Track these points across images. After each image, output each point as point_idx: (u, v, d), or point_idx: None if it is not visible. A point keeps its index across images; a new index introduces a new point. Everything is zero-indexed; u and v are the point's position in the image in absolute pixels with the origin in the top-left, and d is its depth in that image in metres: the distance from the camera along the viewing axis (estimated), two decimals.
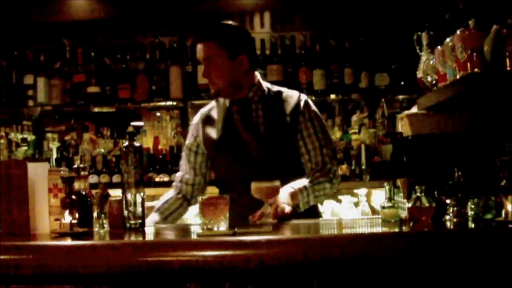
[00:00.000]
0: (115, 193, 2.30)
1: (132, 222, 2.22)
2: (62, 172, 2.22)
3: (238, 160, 2.65)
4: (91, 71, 4.39)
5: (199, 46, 2.62)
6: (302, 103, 2.66)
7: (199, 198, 2.08)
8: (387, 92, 4.29)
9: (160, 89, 4.35)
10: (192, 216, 3.71)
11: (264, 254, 1.71)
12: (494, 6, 2.23)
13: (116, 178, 4.10)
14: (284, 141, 2.63)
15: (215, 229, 1.99)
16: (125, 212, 2.22)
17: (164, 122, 4.53)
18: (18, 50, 4.47)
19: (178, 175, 2.83)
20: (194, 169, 2.79)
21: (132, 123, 4.32)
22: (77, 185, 2.20)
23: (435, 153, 2.33)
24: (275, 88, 2.75)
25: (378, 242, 1.74)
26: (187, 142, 2.84)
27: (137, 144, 2.25)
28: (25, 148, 4.29)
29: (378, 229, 2.12)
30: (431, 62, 2.47)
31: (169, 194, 2.81)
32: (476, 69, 2.07)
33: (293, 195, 2.45)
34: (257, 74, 2.72)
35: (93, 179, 4.04)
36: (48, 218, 2.20)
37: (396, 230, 2.04)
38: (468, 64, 2.09)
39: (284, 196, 2.39)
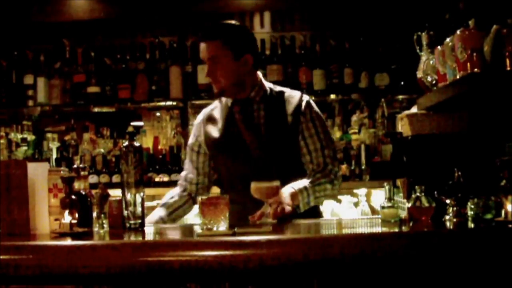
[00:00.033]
0: (115, 193, 2.30)
1: (132, 222, 2.22)
2: (62, 172, 2.22)
3: (239, 160, 2.65)
4: (91, 71, 4.39)
5: (203, 46, 2.61)
6: (303, 104, 2.66)
7: (199, 198, 2.08)
8: (387, 92, 4.29)
9: (160, 89, 4.35)
10: (192, 216, 3.71)
11: (264, 254, 1.71)
12: (494, 6, 2.23)
13: (116, 178, 4.10)
14: (285, 141, 2.63)
15: (215, 229, 1.99)
16: (125, 212, 2.22)
17: (164, 122, 4.52)
18: (18, 50, 4.47)
19: (183, 174, 2.84)
20: (197, 168, 2.79)
21: (132, 123, 4.32)
22: (77, 185, 2.20)
23: (435, 153, 2.34)
24: (278, 88, 2.74)
25: (378, 242, 1.74)
26: (189, 141, 2.85)
27: (137, 144, 2.25)
28: (25, 148, 4.29)
29: (378, 229, 2.12)
30: (431, 62, 2.47)
31: (175, 190, 2.82)
32: (476, 69, 2.07)
33: (294, 196, 2.45)
34: (259, 74, 2.72)
35: (93, 179, 4.04)
36: (48, 218, 2.20)
37: (396, 230, 2.04)
38: (468, 64, 2.09)
39: (284, 196, 2.39)
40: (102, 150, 4.29)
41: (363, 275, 1.74)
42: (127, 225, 2.22)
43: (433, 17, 2.78)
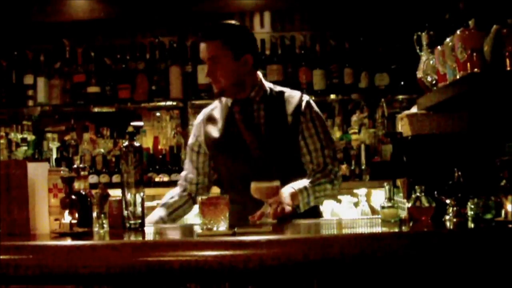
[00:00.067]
0: (115, 193, 2.30)
1: (132, 222, 2.22)
2: (62, 172, 2.22)
3: (239, 160, 2.65)
4: (91, 71, 4.39)
5: (203, 46, 2.60)
6: (303, 104, 2.66)
7: (199, 198, 2.08)
8: (387, 92, 4.29)
9: (160, 89, 4.35)
10: (192, 216, 3.71)
11: (264, 254, 1.71)
12: (494, 6, 2.23)
13: (116, 178, 4.10)
14: (285, 141, 2.63)
15: (215, 229, 1.99)
16: (125, 212, 2.22)
17: (164, 122, 4.52)
18: (18, 50, 4.47)
19: (183, 174, 2.84)
20: (197, 168, 2.79)
21: (132, 123, 4.31)
22: (77, 185, 2.20)
23: (435, 153, 2.34)
24: (278, 88, 2.74)
25: (378, 242, 1.74)
26: (189, 141, 2.85)
27: (137, 144, 2.25)
28: (25, 148, 4.29)
29: (378, 229, 2.12)
30: (431, 62, 2.47)
31: (175, 190, 2.82)
32: (476, 69, 2.07)
33: (294, 196, 2.45)
34: (259, 74, 2.72)
35: (93, 179, 4.04)
36: (48, 218, 2.20)
37: (396, 230, 2.04)
38: (468, 64, 2.09)
39: (284, 196, 2.39)
40: (102, 150, 4.29)
41: (363, 275, 1.74)
42: (127, 225, 2.22)
43: (433, 17, 2.78)
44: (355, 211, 3.90)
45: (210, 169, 2.79)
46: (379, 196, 3.89)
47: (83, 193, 2.20)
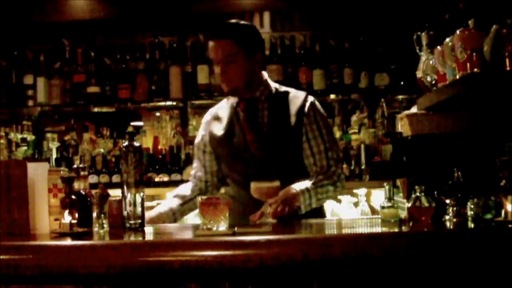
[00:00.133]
0: (115, 193, 2.30)
1: (132, 222, 2.22)
2: (62, 172, 2.22)
3: (240, 158, 2.65)
4: (91, 71, 4.39)
5: (214, 45, 2.58)
6: (307, 105, 2.64)
7: (199, 198, 2.08)
8: (387, 92, 4.29)
9: (160, 89, 4.36)
10: (192, 216, 3.71)
11: (264, 254, 1.71)
12: (494, 6, 2.23)
13: (116, 178, 4.10)
14: (287, 142, 2.62)
15: (215, 229, 1.99)
16: (125, 212, 2.22)
17: (164, 122, 4.52)
18: (18, 50, 4.48)
19: (192, 172, 2.86)
20: (204, 166, 2.80)
21: (132, 123, 4.31)
22: (76, 185, 2.20)
23: (435, 153, 2.34)
24: (283, 88, 2.74)
25: (378, 242, 1.74)
26: (196, 141, 2.86)
27: (136, 144, 2.25)
28: (25, 148, 4.29)
29: (378, 229, 2.12)
30: (431, 62, 2.47)
31: (187, 184, 2.84)
32: (475, 69, 2.07)
33: (295, 197, 2.44)
34: (265, 74, 2.72)
35: (93, 179, 4.04)
36: (48, 218, 2.20)
37: (396, 230, 2.04)
38: (468, 64, 2.09)
39: (285, 196, 2.39)
40: (102, 150, 4.29)
41: (363, 275, 1.74)
42: (127, 225, 2.22)
43: (433, 17, 2.78)
44: (355, 211, 3.91)
45: (217, 168, 2.79)
46: (379, 196, 3.89)
47: (83, 193, 2.20)
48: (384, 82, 4.28)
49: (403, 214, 2.22)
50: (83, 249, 1.80)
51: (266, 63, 4.25)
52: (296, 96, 2.68)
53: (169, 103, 4.46)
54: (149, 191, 3.20)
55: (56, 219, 2.16)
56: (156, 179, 4.19)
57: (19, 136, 4.34)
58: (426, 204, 2.09)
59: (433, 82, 2.47)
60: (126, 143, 2.25)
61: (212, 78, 4.33)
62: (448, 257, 1.72)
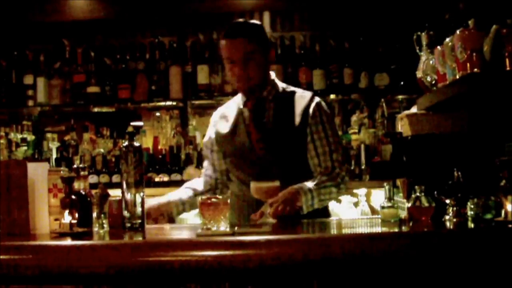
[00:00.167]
0: (115, 193, 2.30)
1: (132, 222, 2.21)
2: (62, 172, 2.22)
3: (245, 158, 2.65)
4: (91, 71, 4.39)
5: (233, 44, 2.57)
6: (313, 105, 2.64)
7: (199, 198, 2.09)
8: (386, 92, 4.29)
9: (160, 89, 4.36)
10: (192, 216, 3.71)
11: (264, 254, 1.71)
12: (494, 6, 2.23)
13: (116, 178, 4.10)
14: (290, 141, 2.61)
15: (215, 229, 1.99)
16: (125, 212, 2.22)
17: (163, 122, 4.52)
18: (18, 50, 4.48)
19: (203, 170, 2.88)
20: (213, 165, 2.81)
21: (131, 123, 4.31)
22: (76, 185, 2.20)
23: (435, 153, 2.34)
24: (290, 88, 2.74)
25: (378, 242, 1.74)
26: (204, 140, 2.88)
27: (136, 144, 2.25)
28: (25, 148, 4.29)
29: (378, 229, 2.12)
30: (431, 62, 2.47)
31: (200, 179, 2.86)
32: (475, 69, 2.07)
33: (297, 196, 2.43)
34: (272, 73, 2.73)
35: (92, 179, 4.04)
36: (48, 218, 2.20)
37: (396, 230, 2.04)
38: (468, 64, 2.09)
39: (287, 196, 2.39)
40: (102, 150, 4.29)
41: (363, 275, 1.74)
42: (127, 225, 2.22)
43: (433, 17, 2.78)
44: (355, 211, 3.91)
45: (226, 167, 2.79)
46: (379, 196, 3.89)
47: (83, 193, 2.20)
48: (384, 82, 4.28)
49: (403, 214, 2.22)
50: (83, 249, 1.80)
51: None
52: (302, 96, 2.68)
53: (169, 103, 4.46)
54: (149, 191, 3.18)
55: (56, 219, 2.16)
56: (156, 179, 4.19)
57: (19, 136, 4.34)
58: (426, 204, 2.09)
59: (433, 82, 2.47)
60: (126, 143, 2.24)
61: (212, 78, 4.34)
62: (448, 257, 1.72)
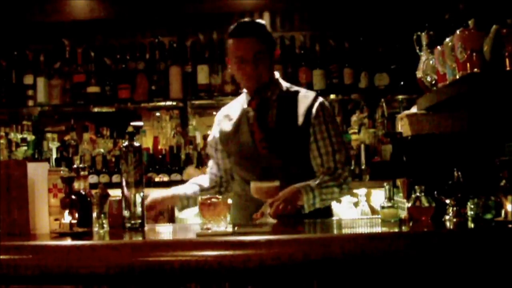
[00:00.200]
0: (115, 193, 2.30)
1: (132, 222, 2.22)
2: (62, 172, 2.22)
3: (247, 157, 2.65)
4: (91, 71, 4.39)
5: (244, 43, 2.59)
6: (316, 105, 2.64)
7: (199, 198, 2.09)
8: (386, 92, 4.29)
9: (160, 89, 4.36)
10: (192, 216, 3.71)
11: (264, 254, 1.71)
12: (494, 6, 2.23)
13: (116, 178, 4.10)
14: (294, 141, 2.61)
15: (215, 229, 1.99)
16: (125, 212, 2.22)
17: (163, 122, 4.53)
18: (18, 50, 4.48)
19: (208, 169, 2.90)
20: (217, 164, 2.83)
21: (131, 123, 4.31)
22: (76, 185, 2.20)
23: (435, 153, 2.34)
24: (294, 88, 2.75)
25: (378, 242, 1.74)
26: (208, 138, 2.90)
27: (136, 144, 2.26)
28: (25, 148, 4.29)
29: (378, 229, 2.12)
30: (431, 62, 2.47)
31: (206, 176, 2.88)
32: (475, 69, 2.07)
33: (298, 195, 2.44)
34: (276, 73, 2.74)
35: (93, 179, 4.04)
36: (48, 218, 2.20)
37: (396, 230, 2.04)
38: (468, 64, 2.09)
39: (288, 194, 2.39)
40: (102, 150, 4.29)
41: (363, 275, 1.74)
42: (127, 225, 2.22)
43: (433, 17, 2.78)
44: (355, 211, 3.91)
45: (230, 166, 2.80)
46: (379, 196, 3.89)
47: (83, 193, 2.20)
48: (384, 82, 4.28)
49: (403, 214, 2.22)
50: (83, 249, 1.80)
51: None
52: (306, 96, 2.68)
53: (169, 103, 4.46)
54: (149, 191, 3.20)
55: (56, 219, 2.16)
56: (156, 179, 4.19)
57: (19, 136, 4.34)
58: (426, 204, 2.09)
59: (433, 82, 2.47)
60: (126, 143, 2.25)
61: (212, 78, 4.34)
62: (448, 257, 1.72)
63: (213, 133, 2.84)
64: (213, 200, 2.05)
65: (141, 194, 2.24)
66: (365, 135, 4.24)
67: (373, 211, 3.85)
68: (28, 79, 4.41)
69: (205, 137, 4.27)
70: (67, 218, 2.11)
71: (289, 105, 2.65)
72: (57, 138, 4.45)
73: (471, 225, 2.01)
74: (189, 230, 2.34)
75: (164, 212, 3.58)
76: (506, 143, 2.02)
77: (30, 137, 4.36)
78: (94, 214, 2.20)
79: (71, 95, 4.42)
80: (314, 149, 2.61)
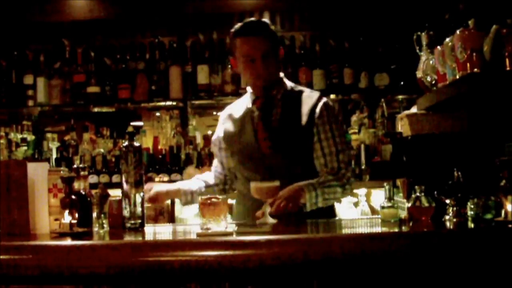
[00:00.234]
0: (115, 193, 2.30)
1: (132, 222, 2.22)
2: (62, 172, 2.22)
3: (250, 156, 2.66)
4: (91, 71, 4.39)
5: (253, 41, 2.60)
6: (320, 105, 2.64)
7: (199, 198, 2.09)
8: (386, 92, 4.29)
9: (160, 89, 4.35)
10: (192, 216, 3.71)
11: (264, 254, 1.71)
12: (494, 6, 2.23)
13: (116, 178, 4.10)
14: (297, 141, 2.61)
15: (215, 229, 1.99)
16: (125, 212, 2.22)
17: (163, 122, 4.52)
18: (18, 50, 4.47)
19: (212, 167, 2.91)
20: (221, 162, 2.84)
21: (131, 123, 4.32)
22: (76, 185, 2.21)
23: (435, 153, 2.34)
24: (298, 88, 2.76)
25: (378, 242, 1.74)
26: (213, 137, 2.90)
27: (136, 144, 2.26)
28: (25, 148, 4.29)
29: (378, 229, 2.12)
30: (431, 62, 2.47)
31: (211, 173, 2.89)
32: (475, 69, 2.07)
33: (300, 193, 2.44)
34: (281, 73, 2.75)
35: (93, 179, 4.04)
36: (48, 218, 2.20)
37: (396, 230, 2.04)
38: (468, 64, 2.09)
39: (290, 193, 2.39)
40: (102, 150, 4.29)
41: (363, 275, 1.74)
42: (127, 225, 2.22)
43: (433, 17, 2.78)
44: (355, 211, 3.90)
45: (234, 165, 2.80)
46: (379, 196, 3.89)
47: (83, 193, 2.20)
48: (384, 82, 4.28)
49: (403, 214, 2.22)
50: (83, 249, 1.80)
51: None
52: (310, 96, 2.69)
53: (169, 103, 4.46)
54: None
55: (56, 219, 2.16)
56: (156, 179, 4.18)
57: (19, 136, 4.34)
58: (426, 204, 2.09)
59: (433, 82, 2.47)
60: (126, 143, 2.25)
61: (212, 78, 4.34)
62: (448, 257, 1.72)
63: (217, 132, 2.85)
64: (213, 200, 2.05)
65: (141, 194, 2.24)
66: (365, 135, 4.24)
67: (373, 211, 3.85)
68: (28, 79, 4.41)
69: (205, 137, 4.27)
70: (67, 218, 2.11)
71: (293, 104, 2.65)
72: (57, 138, 4.45)
73: (471, 225, 2.01)
74: (189, 230, 2.34)
75: (164, 212, 3.58)
76: (506, 143, 2.02)
77: (30, 137, 4.36)
78: (94, 214, 2.20)
79: (71, 95, 4.42)
80: (317, 149, 2.61)
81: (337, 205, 3.91)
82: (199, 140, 4.32)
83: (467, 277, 1.74)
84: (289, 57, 4.33)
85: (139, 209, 2.22)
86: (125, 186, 2.23)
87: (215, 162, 2.89)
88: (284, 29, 4.54)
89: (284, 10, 4.55)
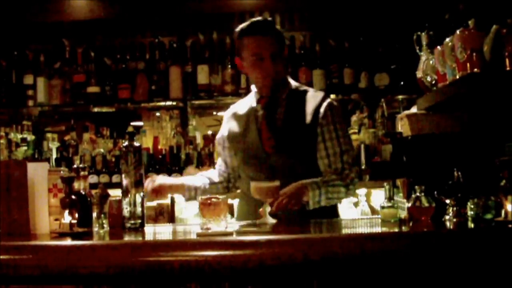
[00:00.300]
0: (115, 193, 2.30)
1: (132, 222, 2.22)
2: (61, 172, 2.22)
3: (254, 155, 2.66)
4: (91, 71, 4.39)
5: (262, 41, 2.61)
6: (324, 105, 2.64)
7: (199, 198, 2.09)
8: (386, 92, 4.29)
9: (160, 89, 4.35)
10: (192, 216, 3.71)
11: (264, 254, 1.71)
12: (494, 6, 2.23)
13: (116, 178, 4.10)
14: (300, 140, 2.61)
15: (215, 229, 1.99)
16: (125, 212, 2.22)
17: (163, 122, 4.53)
18: (18, 50, 4.47)
19: (216, 166, 2.92)
20: (225, 161, 2.85)
21: (131, 123, 4.32)
22: (76, 185, 2.21)
23: (435, 153, 2.34)
24: (303, 87, 2.77)
25: (378, 242, 1.74)
26: (217, 136, 2.91)
27: (136, 144, 2.26)
28: (25, 148, 4.29)
29: (378, 229, 2.12)
30: (431, 62, 2.47)
31: (215, 171, 2.90)
32: (475, 69, 2.07)
33: (304, 191, 2.44)
34: None
35: (93, 179, 4.04)
36: (48, 218, 2.20)
37: (396, 230, 2.04)
38: (468, 64, 2.09)
39: (293, 190, 2.39)
40: (102, 150, 4.29)
41: (363, 275, 1.74)
42: (127, 225, 2.22)
43: (433, 17, 2.78)
44: (355, 211, 3.91)
45: (237, 164, 2.81)
46: (379, 196, 3.89)
47: (83, 193, 2.20)
48: (384, 82, 4.28)
49: (403, 214, 2.22)
50: (83, 249, 1.80)
51: None
52: (314, 96, 2.69)
53: (169, 103, 4.46)
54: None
55: (56, 219, 2.16)
56: None
57: (19, 136, 4.34)
58: (426, 204, 2.09)
59: (433, 82, 2.47)
60: (126, 143, 2.25)
61: (212, 78, 4.34)
62: (448, 257, 1.72)
63: (222, 131, 2.85)
64: (213, 200, 2.05)
65: (141, 194, 2.24)
66: (365, 135, 4.24)
67: (373, 211, 3.85)
68: (28, 79, 4.40)
69: (205, 137, 4.27)
70: (67, 218, 2.11)
71: (298, 104, 2.66)
72: (57, 138, 4.45)
73: (471, 225, 2.01)
74: (189, 230, 2.34)
75: (164, 212, 3.58)
76: (506, 143, 2.02)
77: (30, 137, 4.36)
78: (94, 214, 2.20)
79: (71, 95, 4.41)
80: (321, 149, 2.61)
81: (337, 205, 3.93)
82: (199, 140, 4.32)
83: (467, 277, 1.74)
84: (289, 57, 4.32)
85: (139, 209, 2.23)
86: (125, 186, 2.22)
87: (219, 160, 2.89)
88: (284, 29, 4.52)
89: (284, 10, 4.54)
